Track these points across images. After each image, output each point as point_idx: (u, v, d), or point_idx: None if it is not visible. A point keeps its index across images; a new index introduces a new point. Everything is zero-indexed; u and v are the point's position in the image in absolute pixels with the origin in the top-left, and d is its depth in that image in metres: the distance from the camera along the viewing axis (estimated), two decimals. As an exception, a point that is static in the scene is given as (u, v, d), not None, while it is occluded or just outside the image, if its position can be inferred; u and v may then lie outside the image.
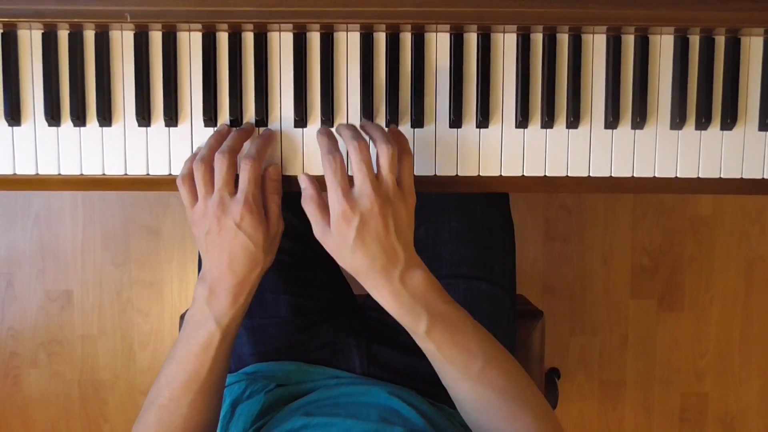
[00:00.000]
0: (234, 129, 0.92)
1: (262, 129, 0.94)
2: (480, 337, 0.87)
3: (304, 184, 0.88)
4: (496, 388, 0.85)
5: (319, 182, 0.88)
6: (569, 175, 0.96)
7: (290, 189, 0.94)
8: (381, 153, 0.84)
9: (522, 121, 0.94)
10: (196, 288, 0.90)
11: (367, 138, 0.88)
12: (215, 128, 0.94)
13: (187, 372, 0.89)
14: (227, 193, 0.87)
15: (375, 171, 0.85)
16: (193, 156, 0.90)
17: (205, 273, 0.90)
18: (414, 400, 1.02)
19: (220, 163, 0.87)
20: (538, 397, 0.88)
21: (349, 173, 0.85)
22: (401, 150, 0.87)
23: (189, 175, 0.89)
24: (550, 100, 0.94)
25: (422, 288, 0.85)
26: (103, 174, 0.95)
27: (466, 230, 1.15)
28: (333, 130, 0.91)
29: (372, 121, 0.94)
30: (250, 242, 0.87)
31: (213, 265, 0.88)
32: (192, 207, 0.89)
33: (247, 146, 0.92)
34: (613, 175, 0.96)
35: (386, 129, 0.91)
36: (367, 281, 0.85)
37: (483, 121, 0.94)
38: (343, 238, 0.83)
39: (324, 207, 0.85)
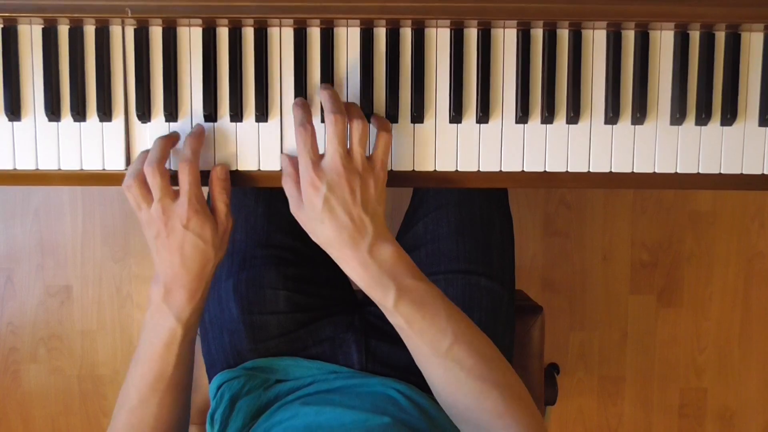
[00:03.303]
0: (158, 138, 0.93)
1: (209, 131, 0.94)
2: (451, 314, 0.88)
3: (284, 163, 0.91)
4: (465, 366, 0.86)
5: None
6: (569, 170, 0.96)
7: (276, 184, 0.95)
8: (353, 128, 0.87)
9: (522, 116, 0.94)
10: (151, 289, 0.92)
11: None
12: (214, 123, 0.94)
13: (153, 372, 0.92)
14: (168, 200, 0.89)
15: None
16: (140, 159, 0.92)
17: (159, 273, 0.92)
18: (412, 393, 1.03)
19: (150, 177, 0.88)
20: (511, 377, 0.88)
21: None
22: (381, 128, 0.91)
23: (131, 185, 0.90)
24: (550, 96, 0.94)
25: (391, 261, 0.87)
26: (103, 169, 0.95)
27: (465, 225, 1.15)
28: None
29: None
30: (200, 240, 0.89)
31: (166, 266, 0.91)
32: (139, 212, 0.91)
33: (183, 148, 0.92)
34: (613, 170, 0.96)
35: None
36: (337, 253, 0.88)
37: (483, 117, 0.94)
38: (312, 207, 0.86)
39: (299, 183, 0.88)
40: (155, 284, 0.92)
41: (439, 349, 0.86)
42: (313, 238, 0.89)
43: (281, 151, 0.95)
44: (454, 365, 0.86)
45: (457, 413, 0.88)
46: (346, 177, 0.85)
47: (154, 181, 0.88)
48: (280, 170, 0.95)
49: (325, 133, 0.89)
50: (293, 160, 0.91)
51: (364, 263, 0.87)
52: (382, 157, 0.89)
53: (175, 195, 0.89)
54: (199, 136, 0.93)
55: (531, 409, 0.87)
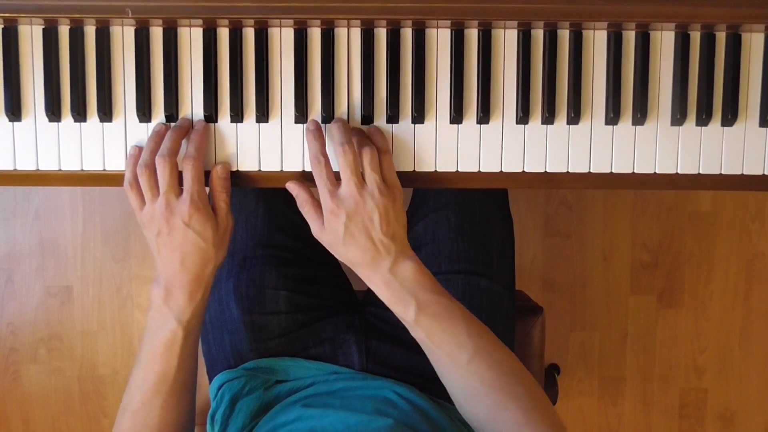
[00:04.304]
0: (170, 127, 0.93)
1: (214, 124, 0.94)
2: (470, 327, 0.89)
3: (295, 191, 0.92)
4: (485, 379, 0.87)
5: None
6: (570, 171, 0.96)
7: (277, 185, 0.95)
8: (363, 155, 0.89)
9: (523, 117, 0.94)
10: (152, 290, 0.93)
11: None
12: (214, 124, 0.94)
13: (155, 374, 0.92)
14: (173, 194, 0.90)
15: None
16: (133, 159, 0.92)
17: (160, 274, 0.93)
18: (411, 396, 1.03)
19: (161, 168, 0.89)
20: (532, 389, 0.89)
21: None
22: (380, 149, 0.92)
23: (135, 180, 0.91)
24: (550, 97, 0.94)
25: (412, 278, 0.89)
26: (104, 170, 0.95)
27: (465, 226, 1.15)
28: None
29: (372, 117, 0.94)
30: (200, 239, 0.90)
31: (166, 265, 0.91)
32: (141, 210, 0.92)
33: (186, 145, 0.93)
34: (613, 171, 0.96)
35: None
36: (361, 272, 0.91)
37: (483, 117, 0.94)
38: (335, 234, 0.88)
39: (318, 207, 0.90)
40: (156, 286, 0.92)
41: (459, 361, 0.88)
42: (338, 258, 0.92)
43: (281, 152, 0.95)
44: (474, 378, 0.88)
45: (479, 424, 0.89)
46: (363, 204, 0.87)
47: (164, 173, 0.89)
48: (280, 171, 0.95)
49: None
50: (303, 186, 0.92)
51: (387, 281, 0.89)
52: (390, 177, 0.91)
53: (180, 191, 0.90)
54: (203, 133, 0.93)
55: (552, 418, 0.88)
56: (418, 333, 0.90)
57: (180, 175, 0.91)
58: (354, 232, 0.88)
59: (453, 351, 0.88)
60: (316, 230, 0.91)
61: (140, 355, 0.94)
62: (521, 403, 0.86)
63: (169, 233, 0.90)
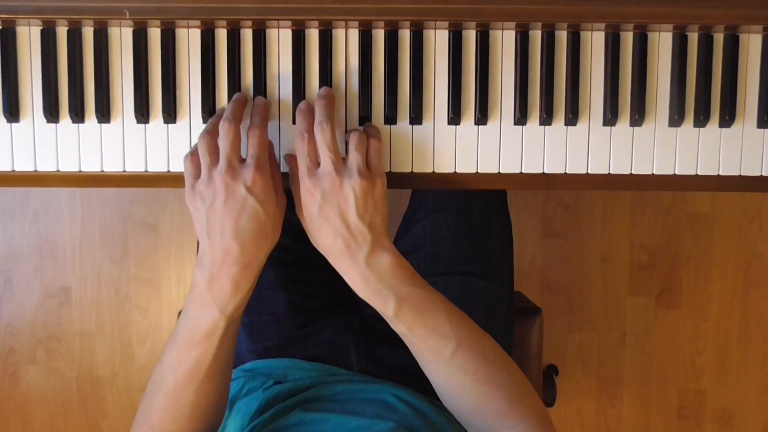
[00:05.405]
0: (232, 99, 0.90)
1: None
2: (453, 320, 0.87)
3: (291, 164, 0.90)
4: (469, 370, 0.86)
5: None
6: (567, 172, 0.96)
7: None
8: (351, 136, 0.87)
9: (520, 118, 0.94)
10: (195, 272, 0.85)
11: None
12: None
13: (191, 360, 0.85)
14: (236, 160, 0.83)
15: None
16: (213, 123, 0.87)
17: (204, 255, 0.84)
18: (411, 398, 1.03)
19: (225, 130, 0.83)
20: (515, 378, 0.88)
21: None
22: (370, 134, 0.89)
23: (194, 152, 0.85)
24: (548, 98, 0.94)
25: (389, 271, 0.85)
26: (102, 171, 0.95)
27: (463, 227, 1.15)
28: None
29: (370, 117, 0.94)
30: (261, 209, 0.83)
31: (216, 243, 0.83)
32: (195, 180, 0.85)
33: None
34: (611, 172, 0.96)
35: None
36: (335, 262, 0.87)
37: (481, 118, 0.94)
38: (309, 214, 0.85)
39: None
40: (200, 269, 0.84)
41: (442, 355, 0.86)
42: (314, 244, 0.88)
43: (278, 153, 0.94)
44: (458, 371, 0.86)
45: (463, 415, 0.88)
46: (339, 184, 0.83)
47: (228, 134, 0.83)
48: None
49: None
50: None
51: (363, 274, 0.85)
52: (375, 162, 0.87)
53: (242, 159, 0.84)
54: (264, 106, 0.90)
55: (536, 406, 0.87)
56: (399, 327, 0.87)
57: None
58: (328, 213, 0.84)
59: (436, 344, 0.86)
60: (298, 209, 0.88)
61: (176, 336, 0.87)
62: (505, 393, 0.85)
63: (226, 200, 0.82)
